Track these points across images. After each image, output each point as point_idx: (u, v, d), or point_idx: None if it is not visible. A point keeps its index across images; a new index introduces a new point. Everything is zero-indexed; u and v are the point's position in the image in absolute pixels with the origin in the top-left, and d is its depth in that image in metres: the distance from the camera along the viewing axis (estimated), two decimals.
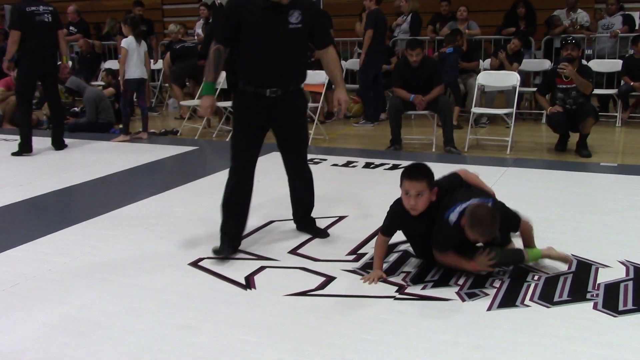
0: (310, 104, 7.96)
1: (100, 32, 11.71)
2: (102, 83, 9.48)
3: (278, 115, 3.57)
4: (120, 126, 7.77)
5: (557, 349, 2.52)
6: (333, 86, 3.82)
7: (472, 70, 8.21)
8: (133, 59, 7.20)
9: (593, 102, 6.82)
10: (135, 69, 7.23)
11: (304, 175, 3.82)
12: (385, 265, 3.39)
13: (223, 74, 8.12)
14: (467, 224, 3.00)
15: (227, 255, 3.53)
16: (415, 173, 3.13)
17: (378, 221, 4.07)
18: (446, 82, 7.70)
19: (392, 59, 8.73)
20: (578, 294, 3.00)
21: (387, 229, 3.30)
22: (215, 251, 3.56)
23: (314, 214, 3.99)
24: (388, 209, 3.30)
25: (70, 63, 10.56)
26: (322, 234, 3.89)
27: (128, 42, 7.18)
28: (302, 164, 3.81)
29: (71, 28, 11.33)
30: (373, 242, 3.75)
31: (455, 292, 3.04)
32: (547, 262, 3.36)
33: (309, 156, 6.20)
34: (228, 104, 7.97)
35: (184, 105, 8.96)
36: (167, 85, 9.97)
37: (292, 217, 4.00)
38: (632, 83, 7.57)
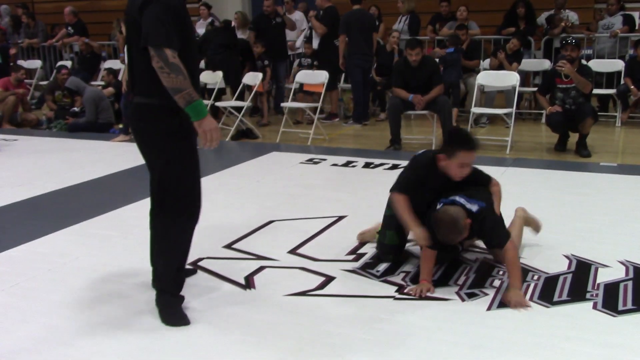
0: (310, 104, 7.99)
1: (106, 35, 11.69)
2: (102, 83, 9.48)
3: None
4: (120, 126, 7.77)
5: (557, 349, 2.52)
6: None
7: (472, 70, 8.21)
8: None
9: (593, 102, 6.82)
10: None
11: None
12: (384, 266, 3.39)
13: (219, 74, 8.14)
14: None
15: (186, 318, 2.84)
16: (474, 143, 3.09)
17: (377, 221, 4.09)
18: (448, 82, 7.70)
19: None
20: (578, 294, 3.00)
21: (406, 187, 3.23)
22: (175, 320, 2.82)
23: (313, 214, 3.96)
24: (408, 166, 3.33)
25: (70, 64, 10.60)
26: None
27: None
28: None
29: (69, 28, 11.35)
30: (373, 242, 3.75)
31: (455, 292, 3.05)
32: (547, 261, 3.36)
33: (309, 156, 6.27)
34: (228, 103, 7.99)
35: None
36: None
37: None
38: (632, 87, 7.56)
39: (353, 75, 8.21)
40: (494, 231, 3.04)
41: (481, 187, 3.22)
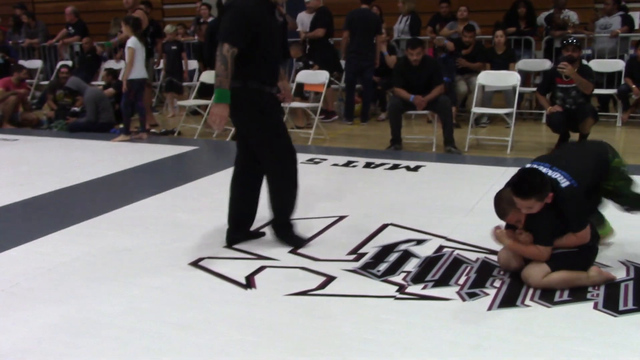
0: (310, 104, 7.99)
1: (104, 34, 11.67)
2: (103, 83, 9.48)
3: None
4: (121, 126, 7.77)
5: (557, 349, 2.52)
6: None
7: (476, 71, 8.20)
8: (138, 59, 7.20)
9: (593, 102, 6.81)
10: (139, 70, 7.23)
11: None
12: (385, 265, 3.39)
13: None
14: None
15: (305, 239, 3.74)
16: (522, 190, 2.95)
17: (378, 221, 4.09)
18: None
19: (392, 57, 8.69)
20: (578, 293, 2.99)
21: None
22: (298, 243, 3.69)
23: (314, 214, 4.00)
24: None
25: (71, 63, 10.60)
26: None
27: (134, 42, 7.18)
28: None
29: (69, 28, 11.34)
30: (373, 241, 3.76)
31: (456, 292, 3.04)
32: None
33: (310, 156, 6.27)
34: None
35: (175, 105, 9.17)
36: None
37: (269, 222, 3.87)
38: (633, 86, 7.56)
39: (346, 73, 8.30)
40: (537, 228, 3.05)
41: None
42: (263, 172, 3.67)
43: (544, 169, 3.05)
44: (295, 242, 3.71)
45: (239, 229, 3.78)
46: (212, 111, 3.34)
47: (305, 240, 3.74)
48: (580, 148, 3.29)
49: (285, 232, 3.74)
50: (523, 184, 2.96)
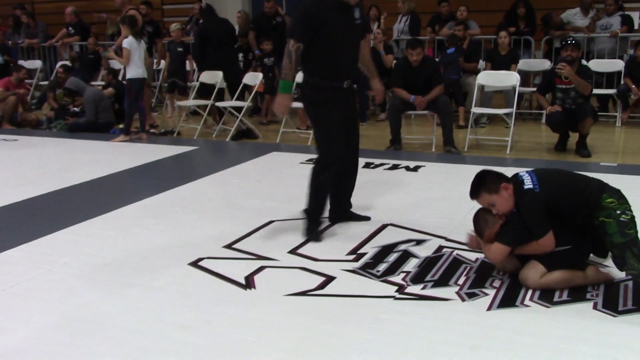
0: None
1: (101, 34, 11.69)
2: (102, 83, 9.48)
3: (349, 105, 3.86)
4: (121, 126, 7.77)
5: (557, 349, 2.52)
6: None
7: (471, 71, 8.21)
8: (135, 58, 7.20)
9: (593, 102, 6.81)
10: (137, 69, 7.23)
11: (356, 165, 4.14)
12: (384, 266, 3.40)
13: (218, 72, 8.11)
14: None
15: (319, 237, 3.85)
16: (470, 191, 3.15)
17: (377, 221, 4.10)
18: (448, 81, 7.69)
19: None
20: (578, 294, 2.99)
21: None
22: (310, 236, 3.84)
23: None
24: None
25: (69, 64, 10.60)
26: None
27: (129, 42, 7.17)
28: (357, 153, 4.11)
29: (69, 29, 11.34)
30: (373, 241, 3.76)
31: (455, 292, 3.05)
32: None
33: (310, 156, 6.26)
34: (229, 103, 7.99)
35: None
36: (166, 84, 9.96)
37: (328, 214, 4.11)
38: (632, 86, 7.56)
39: None
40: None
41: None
42: (351, 162, 4.03)
43: (522, 172, 3.13)
44: (309, 236, 3.84)
45: (335, 210, 4.12)
46: (276, 100, 3.71)
47: (318, 238, 3.84)
48: (572, 174, 3.27)
49: (309, 224, 3.88)
50: (471, 186, 3.14)
